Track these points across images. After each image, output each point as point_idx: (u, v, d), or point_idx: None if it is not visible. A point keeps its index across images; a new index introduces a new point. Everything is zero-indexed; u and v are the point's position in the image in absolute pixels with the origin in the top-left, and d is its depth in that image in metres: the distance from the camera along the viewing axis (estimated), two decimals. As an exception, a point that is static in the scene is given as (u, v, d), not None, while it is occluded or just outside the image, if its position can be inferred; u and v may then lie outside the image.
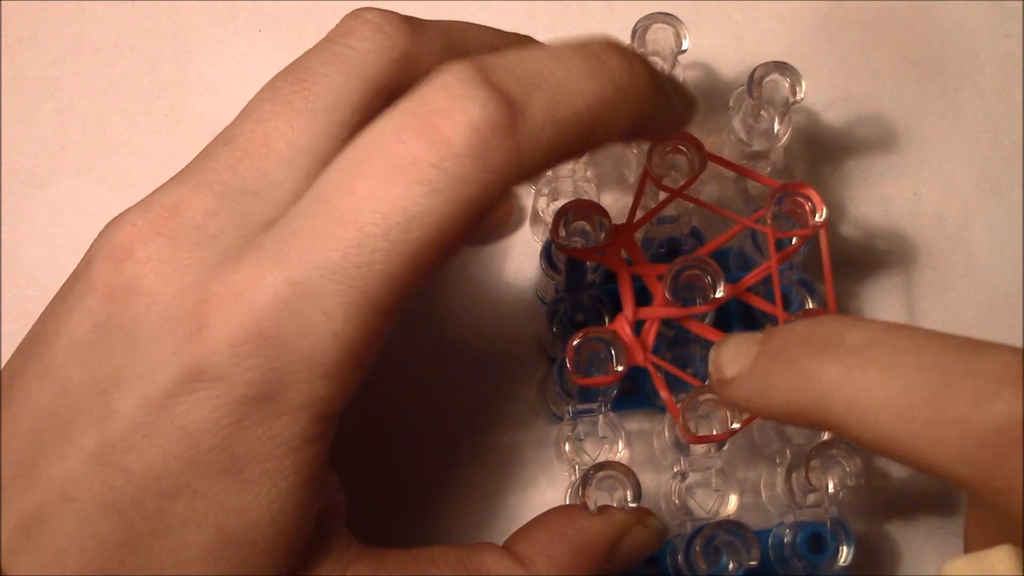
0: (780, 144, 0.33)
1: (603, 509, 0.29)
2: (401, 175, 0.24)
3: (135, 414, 0.25)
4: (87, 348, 0.26)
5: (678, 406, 0.28)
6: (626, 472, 0.29)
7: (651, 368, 0.29)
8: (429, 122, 0.24)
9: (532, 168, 0.25)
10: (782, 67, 0.32)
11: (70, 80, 0.37)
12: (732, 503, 0.30)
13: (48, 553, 0.24)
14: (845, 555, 0.30)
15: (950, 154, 0.36)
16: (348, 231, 0.24)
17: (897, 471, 0.34)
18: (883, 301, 0.35)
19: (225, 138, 0.27)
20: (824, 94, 0.37)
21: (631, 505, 0.29)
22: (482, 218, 0.25)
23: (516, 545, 0.28)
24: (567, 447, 0.32)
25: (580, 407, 0.31)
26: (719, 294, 0.28)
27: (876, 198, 0.36)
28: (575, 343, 0.28)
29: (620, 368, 0.28)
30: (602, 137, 0.26)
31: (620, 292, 0.30)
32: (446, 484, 0.33)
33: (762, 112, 0.33)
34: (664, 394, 0.29)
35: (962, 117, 0.37)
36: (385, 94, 0.27)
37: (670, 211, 0.33)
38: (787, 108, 0.32)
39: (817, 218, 0.29)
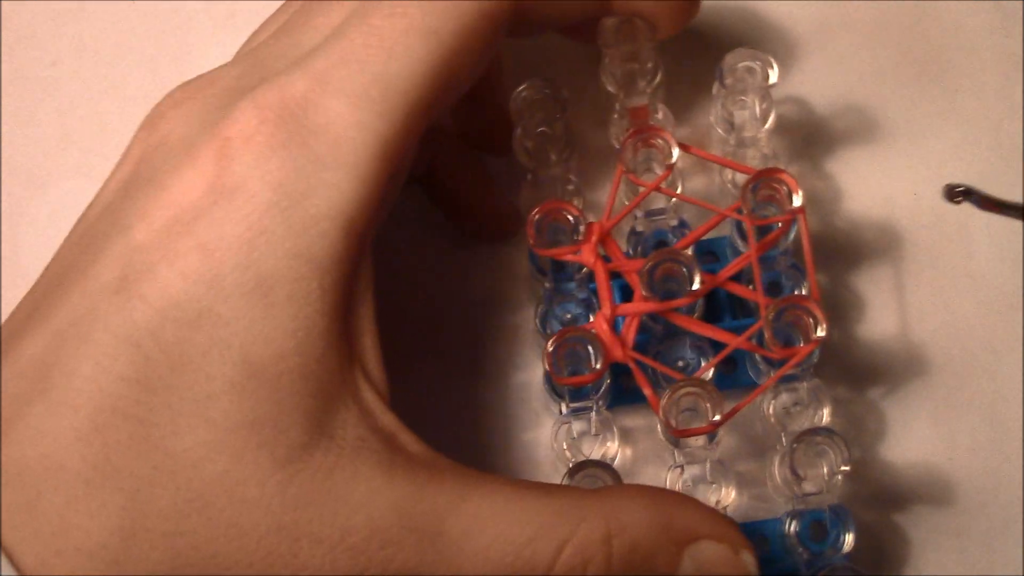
0: (764, 129, 0.33)
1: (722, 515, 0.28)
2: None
3: (154, 238, 0.24)
4: (114, 202, 0.26)
5: (659, 400, 0.28)
6: (605, 468, 0.29)
7: (632, 364, 0.29)
8: None
9: None
10: (751, 54, 0.32)
11: (70, 80, 0.37)
12: (731, 496, 0.30)
13: (61, 396, 0.23)
14: (846, 542, 0.30)
15: (950, 154, 0.36)
16: (375, 21, 0.26)
17: (902, 466, 0.34)
18: (883, 301, 0.35)
19: (270, 21, 0.29)
20: (824, 94, 0.37)
21: None
22: (489, 22, 0.27)
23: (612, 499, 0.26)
24: (563, 445, 0.32)
25: (574, 405, 0.31)
26: (696, 286, 0.28)
27: (876, 198, 0.36)
28: (551, 345, 0.29)
29: (598, 366, 0.28)
30: None
31: (598, 289, 0.30)
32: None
33: (743, 99, 0.32)
34: (646, 390, 0.29)
35: (962, 117, 0.37)
36: None
37: (660, 205, 0.33)
38: (764, 93, 0.32)
39: (794, 203, 0.29)
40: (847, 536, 0.30)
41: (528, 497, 0.25)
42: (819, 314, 0.28)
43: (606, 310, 0.29)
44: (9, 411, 0.24)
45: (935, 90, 0.37)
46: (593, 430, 0.31)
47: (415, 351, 0.34)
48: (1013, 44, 0.37)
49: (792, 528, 0.31)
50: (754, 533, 0.31)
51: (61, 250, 0.27)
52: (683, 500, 0.27)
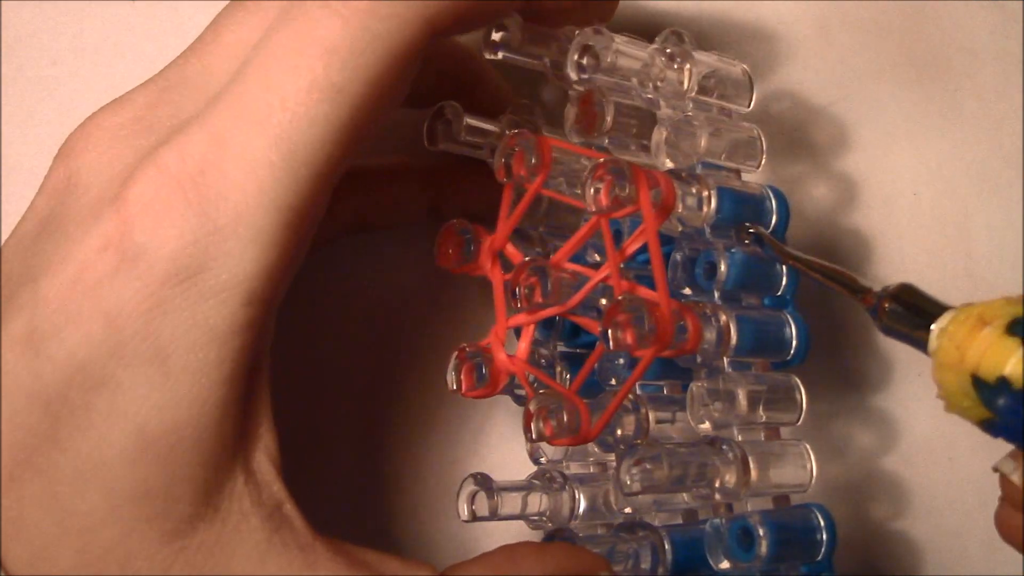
0: (687, 94, 0.31)
1: (557, 545, 0.28)
2: (316, 16, 0.24)
3: (61, 298, 0.24)
4: (28, 242, 0.26)
5: (531, 408, 0.27)
6: (481, 480, 0.29)
7: (520, 375, 0.29)
8: None
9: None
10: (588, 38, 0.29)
11: (70, 80, 0.37)
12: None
13: None
14: (762, 548, 0.29)
15: (950, 154, 0.36)
16: (276, 75, 0.24)
17: (903, 466, 0.34)
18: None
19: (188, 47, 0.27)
20: (824, 94, 0.37)
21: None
22: (400, 62, 0.25)
23: (453, 573, 0.27)
24: (528, 444, 0.32)
25: None
26: (547, 292, 0.28)
27: (876, 198, 0.36)
28: (450, 364, 0.28)
29: (488, 378, 0.28)
30: None
31: (495, 302, 0.29)
32: (427, 476, 0.33)
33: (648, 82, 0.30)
34: (530, 401, 0.28)
35: (962, 117, 0.37)
36: None
37: None
38: (619, 67, 0.30)
39: (618, 192, 0.26)
40: (761, 542, 0.28)
41: None
42: (650, 317, 0.26)
43: (500, 323, 0.29)
44: None
45: (935, 90, 0.37)
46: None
47: (392, 363, 0.34)
48: (1013, 44, 0.37)
49: (717, 536, 0.29)
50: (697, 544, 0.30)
51: None
52: (530, 550, 0.27)
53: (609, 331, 0.26)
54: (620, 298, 0.26)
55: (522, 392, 0.30)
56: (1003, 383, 0.23)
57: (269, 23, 0.26)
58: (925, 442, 0.34)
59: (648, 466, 0.28)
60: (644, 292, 0.28)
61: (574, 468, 0.32)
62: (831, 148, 0.36)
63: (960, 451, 0.33)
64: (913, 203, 0.36)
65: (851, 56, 0.37)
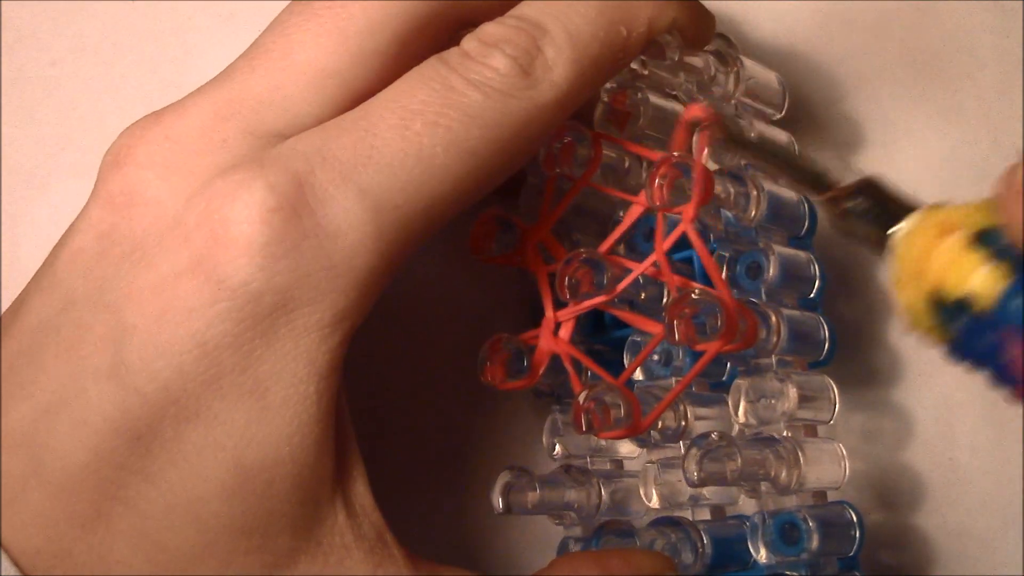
0: (734, 96, 0.31)
1: (615, 552, 0.28)
2: (455, 86, 0.24)
3: (147, 325, 0.23)
4: (91, 259, 0.24)
5: (580, 400, 0.27)
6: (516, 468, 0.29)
7: (567, 361, 0.29)
8: (480, 53, 0.25)
9: (571, 80, 0.26)
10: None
11: (70, 80, 0.37)
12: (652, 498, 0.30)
13: (58, 481, 0.23)
14: (813, 542, 0.29)
15: (950, 154, 0.36)
16: (415, 127, 0.24)
17: (902, 466, 0.34)
18: (883, 301, 0.35)
19: (248, 50, 0.26)
20: (824, 94, 0.37)
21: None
22: (529, 141, 0.25)
23: None
24: (551, 439, 0.32)
25: (565, 403, 0.32)
26: (601, 284, 0.28)
27: (876, 198, 0.36)
28: (482, 361, 0.28)
29: (528, 369, 0.28)
30: (637, 39, 0.27)
31: (541, 293, 0.29)
32: (428, 477, 0.33)
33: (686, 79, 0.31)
34: (576, 389, 0.28)
35: (962, 117, 0.37)
36: (429, 28, 0.26)
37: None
38: (678, 61, 0.30)
39: (686, 188, 0.27)
40: (810, 536, 0.29)
41: None
42: (722, 312, 0.26)
43: (549, 314, 0.29)
44: (5, 493, 0.23)
45: (935, 90, 0.37)
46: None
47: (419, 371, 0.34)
48: (1013, 44, 0.37)
49: (762, 530, 0.30)
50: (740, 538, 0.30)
51: (34, 298, 0.25)
52: (589, 560, 0.27)
53: (674, 323, 0.26)
54: (687, 291, 0.27)
55: (543, 387, 0.30)
56: (962, 304, 0.21)
57: (347, 49, 0.25)
58: (925, 443, 0.34)
59: (717, 458, 0.28)
60: (696, 287, 0.28)
61: (597, 464, 0.32)
62: (830, 149, 0.36)
63: (960, 451, 0.34)
64: (913, 203, 0.36)
65: (851, 56, 0.37)
